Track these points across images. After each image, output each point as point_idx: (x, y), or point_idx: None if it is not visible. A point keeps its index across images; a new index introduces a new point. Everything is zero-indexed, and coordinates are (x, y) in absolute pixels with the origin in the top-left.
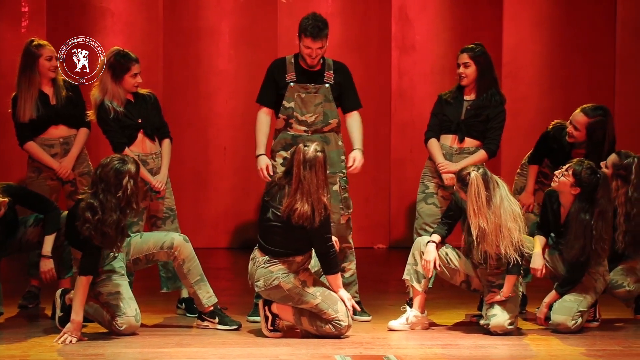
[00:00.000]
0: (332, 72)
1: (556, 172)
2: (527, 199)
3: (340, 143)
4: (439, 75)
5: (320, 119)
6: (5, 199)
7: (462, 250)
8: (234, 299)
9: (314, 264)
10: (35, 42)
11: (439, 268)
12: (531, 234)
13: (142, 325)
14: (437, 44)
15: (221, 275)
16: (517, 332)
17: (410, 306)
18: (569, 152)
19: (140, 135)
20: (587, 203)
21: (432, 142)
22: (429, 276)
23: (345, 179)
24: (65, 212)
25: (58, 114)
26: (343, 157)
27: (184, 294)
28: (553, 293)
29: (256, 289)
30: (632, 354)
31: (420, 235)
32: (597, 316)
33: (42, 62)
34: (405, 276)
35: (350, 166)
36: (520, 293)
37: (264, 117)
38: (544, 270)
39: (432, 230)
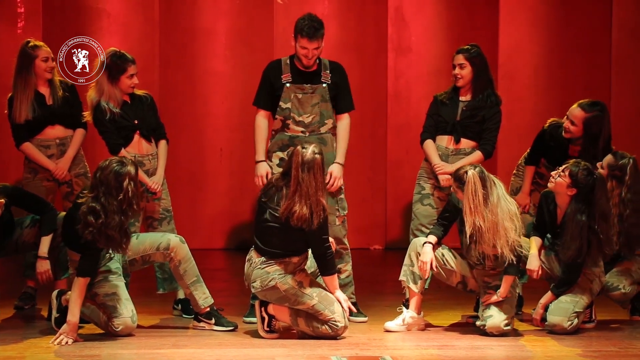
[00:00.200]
0: (328, 72)
1: (552, 173)
2: (523, 199)
3: (335, 145)
4: (435, 77)
5: (317, 119)
6: (1, 200)
7: (459, 251)
8: (230, 300)
9: (310, 264)
10: (31, 43)
11: (435, 269)
12: (527, 235)
13: (139, 326)
14: (433, 45)
15: (217, 276)
16: (513, 333)
17: (407, 307)
18: (565, 148)
19: (136, 137)
20: (584, 204)
21: (428, 143)
22: (426, 277)
23: (340, 182)
24: (62, 214)
25: (54, 115)
26: None
27: (180, 295)
28: (549, 294)
29: (252, 290)
30: (628, 355)
31: (416, 236)
32: (593, 317)
33: (38, 63)
34: (402, 277)
35: (329, 185)
36: (516, 294)
37: (262, 121)
38: (540, 272)
39: (428, 231)
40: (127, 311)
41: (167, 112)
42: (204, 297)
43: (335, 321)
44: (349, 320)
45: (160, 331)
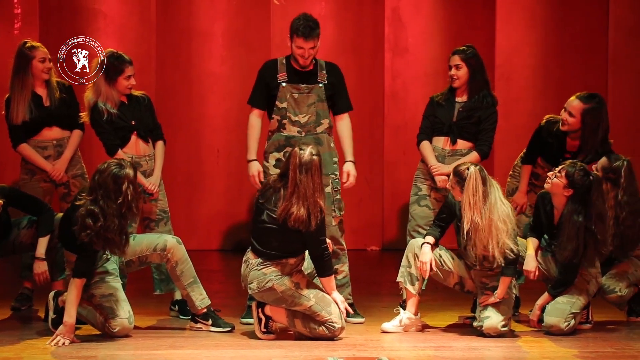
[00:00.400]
0: (324, 72)
1: (549, 174)
2: (520, 198)
3: (332, 145)
4: (432, 77)
5: (313, 119)
6: None
7: (456, 252)
8: (227, 301)
9: (307, 266)
10: (28, 44)
11: (435, 270)
12: (524, 236)
13: (136, 327)
14: (430, 46)
15: (214, 278)
16: (510, 334)
17: (404, 308)
18: (563, 144)
19: (133, 137)
20: (580, 205)
21: (425, 144)
22: (425, 278)
23: (337, 180)
24: (59, 215)
25: (51, 116)
26: (335, 159)
27: (177, 296)
28: (546, 295)
29: (249, 291)
30: (625, 356)
31: (413, 237)
32: (590, 318)
33: (35, 63)
34: (399, 278)
35: (345, 182)
36: (514, 295)
37: (255, 120)
38: (537, 272)
39: (425, 232)
40: (124, 312)
41: (164, 113)
42: (200, 298)
43: (332, 322)
44: (346, 321)
45: (157, 332)
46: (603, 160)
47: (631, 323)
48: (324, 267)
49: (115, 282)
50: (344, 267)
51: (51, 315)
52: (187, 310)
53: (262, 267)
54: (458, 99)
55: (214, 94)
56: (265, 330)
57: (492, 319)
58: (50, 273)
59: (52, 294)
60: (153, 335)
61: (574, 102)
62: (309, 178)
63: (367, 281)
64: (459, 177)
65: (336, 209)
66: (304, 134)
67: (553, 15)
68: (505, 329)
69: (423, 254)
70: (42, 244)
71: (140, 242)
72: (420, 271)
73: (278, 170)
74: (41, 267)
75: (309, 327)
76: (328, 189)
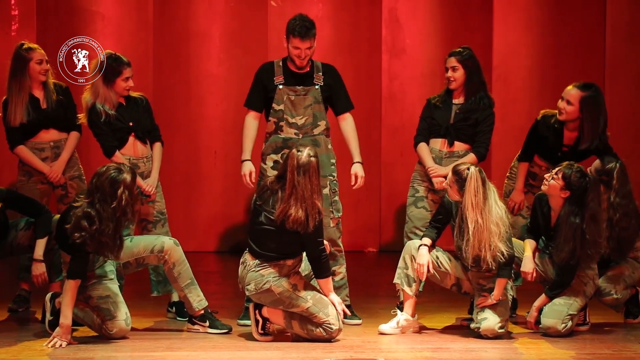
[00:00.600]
0: (321, 74)
1: (546, 176)
2: (517, 196)
3: (329, 146)
4: (429, 79)
5: (310, 121)
6: None
7: (453, 253)
8: (225, 302)
9: (305, 267)
10: (25, 46)
11: (432, 271)
12: (521, 237)
13: (133, 329)
14: (427, 47)
15: (211, 279)
16: (508, 335)
17: (401, 310)
18: (560, 135)
19: (131, 139)
20: (577, 206)
21: (422, 146)
22: (423, 279)
23: (335, 182)
24: (57, 216)
25: (48, 118)
26: (333, 161)
27: (175, 297)
28: (543, 297)
29: (247, 293)
30: (622, 358)
31: (410, 239)
32: (587, 320)
33: (33, 65)
34: (396, 280)
35: (354, 184)
36: (511, 297)
37: (251, 121)
38: (534, 274)
39: (422, 234)
40: (121, 314)
41: (161, 114)
42: (198, 300)
43: (329, 324)
44: (343, 322)
45: (155, 334)
46: (596, 162)
47: (628, 325)
48: (321, 268)
49: (113, 284)
50: (341, 269)
51: (48, 317)
52: (184, 311)
53: (259, 268)
54: (455, 101)
55: (211, 95)
56: (262, 332)
57: (489, 320)
58: (48, 274)
59: (49, 295)
60: (150, 337)
61: (572, 91)
62: (307, 180)
63: (365, 283)
64: (459, 176)
65: (334, 210)
66: (301, 135)
67: (550, 16)
68: (503, 330)
69: (420, 255)
70: (40, 245)
71: (138, 243)
72: (418, 273)
73: (276, 172)
74: (39, 269)
75: (306, 328)
76: (326, 191)
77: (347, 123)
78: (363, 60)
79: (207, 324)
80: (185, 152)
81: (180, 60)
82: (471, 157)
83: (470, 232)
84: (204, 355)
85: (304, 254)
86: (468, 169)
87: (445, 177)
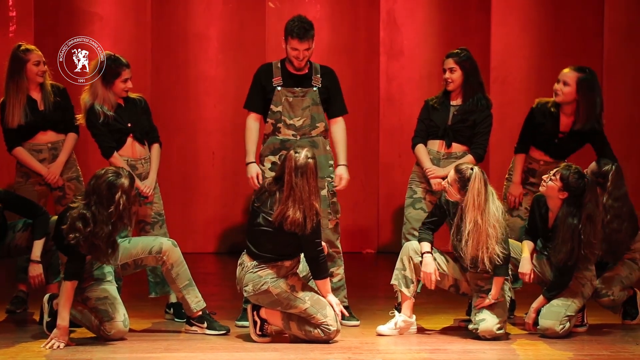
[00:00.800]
0: (319, 75)
1: (544, 177)
2: (515, 190)
3: (328, 148)
4: (427, 80)
5: (308, 122)
6: None
7: (451, 254)
8: (223, 303)
9: (302, 268)
10: (22, 47)
11: (439, 278)
12: (519, 239)
13: (131, 330)
14: (425, 49)
15: (209, 280)
16: (506, 337)
17: (399, 311)
18: (556, 121)
19: (129, 140)
20: (575, 207)
21: (420, 147)
22: (431, 288)
23: (333, 183)
24: (55, 217)
25: (46, 120)
26: (331, 162)
27: (173, 298)
28: (541, 298)
29: (245, 294)
30: (620, 359)
31: (408, 240)
32: (585, 321)
33: (30, 67)
34: (393, 281)
35: (337, 185)
36: (509, 298)
37: (252, 123)
38: (532, 275)
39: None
40: (119, 315)
41: (159, 116)
42: (196, 301)
43: (327, 325)
44: (341, 324)
45: (152, 335)
46: (593, 164)
47: (626, 326)
48: (319, 269)
49: (111, 285)
50: (339, 270)
51: (46, 318)
52: (182, 313)
53: (257, 269)
54: (453, 102)
55: (209, 97)
56: (260, 333)
57: (487, 321)
58: (45, 276)
59: (46, 297)
60: (148, 338)
61: (568, 73)
62: (305, 181)
63: (363, 284)
64: (461, 175)
65: (332, 211)
66: (299, 137)
67: (548, 18)
68: (501, 331)
69: (426, 264)
70: (38, 246)
71: (136, 245)
72: (425, 282)
73: (273, 174)
74: (37, 270)
75: (304, 329)
76: (324, 192)
77: (339, 126)
78: (361, 61)
79: (205, 325)
80: (183, 153)
81: (178, 61)
82: (469, 158)
83: (468, 232)
84: (202, 357)
85: (302, 255)
86: (471, 169)
87: (443, 178)
